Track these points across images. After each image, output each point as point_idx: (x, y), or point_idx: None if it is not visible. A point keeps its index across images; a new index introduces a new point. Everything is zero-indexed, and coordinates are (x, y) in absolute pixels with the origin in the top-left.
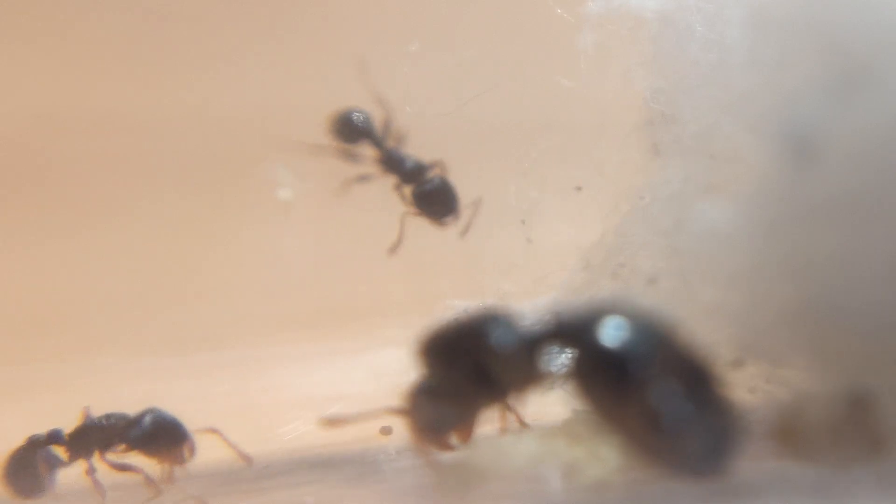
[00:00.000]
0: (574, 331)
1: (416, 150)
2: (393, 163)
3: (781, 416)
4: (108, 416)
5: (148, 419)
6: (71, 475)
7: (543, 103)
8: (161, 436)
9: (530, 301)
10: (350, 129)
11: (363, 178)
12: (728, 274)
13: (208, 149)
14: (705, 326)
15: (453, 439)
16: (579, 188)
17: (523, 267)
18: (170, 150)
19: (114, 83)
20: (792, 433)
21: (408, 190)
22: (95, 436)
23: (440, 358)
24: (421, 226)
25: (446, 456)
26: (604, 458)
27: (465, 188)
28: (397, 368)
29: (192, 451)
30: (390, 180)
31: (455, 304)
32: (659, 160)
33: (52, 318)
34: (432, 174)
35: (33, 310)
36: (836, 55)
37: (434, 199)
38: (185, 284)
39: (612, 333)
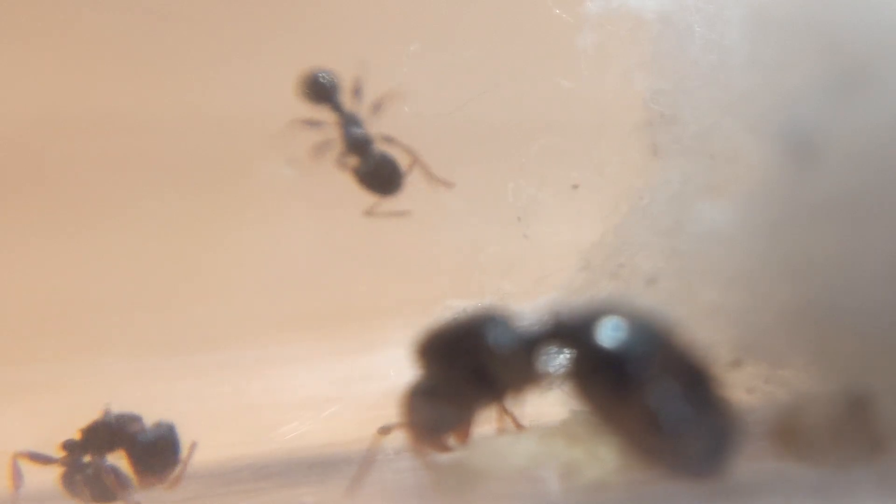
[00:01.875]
0: (573, 331)
1: (415, 149)
2: (346, 126)
3: (781, 416)
4: (119, 416)
5: (162, 428)
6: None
7: (543, 104)
8: (161, 451)
9: (530, 301)
10: (316, 90)
11: (325, 145)
12: (728, 274)
13: (208, 149)
14: (705, 327)
15: (451, 440)
16: (576, 186)
17: (523, 267)
18: (169, 151)
19: (114, 83)
20: (791, 433)
21: (352, 161)
22: (104, 434)
23: (438, 358)
24: (420, 227)
25: (445, 456)
26: (602, 458)
27: (464, 188)
28: (396, 369)
29: (177, 480)
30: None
31: (454, 304)
32: (659, 161)
33: (52, 318)
34: (376, 150)
35: (33, 310)
36: (836, 55)
37: (375, 178)
38: (185, 285)
39: (610, 334)
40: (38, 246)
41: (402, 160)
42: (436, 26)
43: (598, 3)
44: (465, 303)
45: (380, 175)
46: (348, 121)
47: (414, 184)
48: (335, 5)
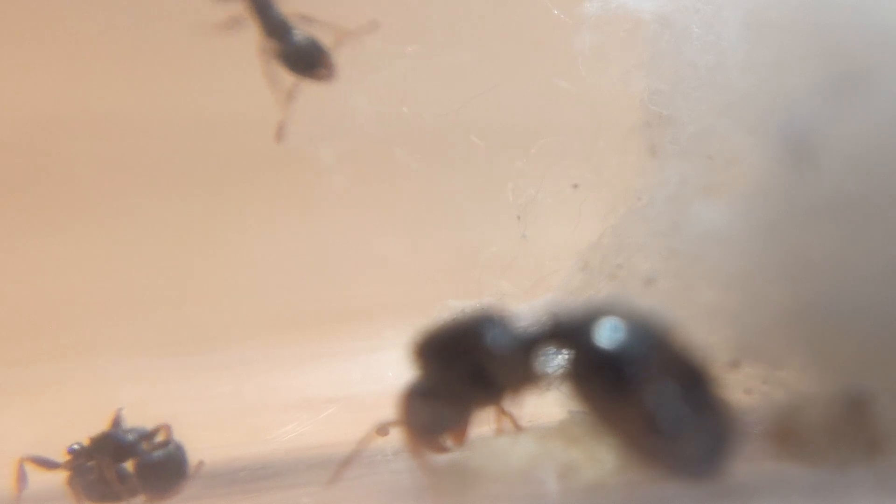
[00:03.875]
0: (571, 332)
1: (413, 150)
2: (259, 8)
3: (778, 417)
4: (129, 431)
5: (170, 449)
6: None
7: (541, 105)
8: (168, 472)
9: (528, 302)
10: None
11: (232, 23)
12: (725, 275)
13: (208, 150)
14: (703, 328)
15: (447, 441)
16: (576, 186)
17: (520, 266)
18: (167, 152)
19: (114, 84)
20: (789, 434)
21: (271, 45)
22: (111, 446)
23: (436, 359)
24: (419, 227)
25: (443, 457)
26: (601, 459)
27: (462, 189)
28: (395, 370)
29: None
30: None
31: (452, 304)
32: (656, 161)
33: (51, 318)
34: (297, 32)
35: (32, 310)
36: (833, 57)
37: (300, 57)
38: (183, 286)
39: (608, 335)
40: (38, 246)
41: (324, 38)
42: (433, 27)
43: (597, 3)
44: (464, 303)
45: (304, 57)
46: (261, 4)
47: (411, 186)
48: (333, 6)
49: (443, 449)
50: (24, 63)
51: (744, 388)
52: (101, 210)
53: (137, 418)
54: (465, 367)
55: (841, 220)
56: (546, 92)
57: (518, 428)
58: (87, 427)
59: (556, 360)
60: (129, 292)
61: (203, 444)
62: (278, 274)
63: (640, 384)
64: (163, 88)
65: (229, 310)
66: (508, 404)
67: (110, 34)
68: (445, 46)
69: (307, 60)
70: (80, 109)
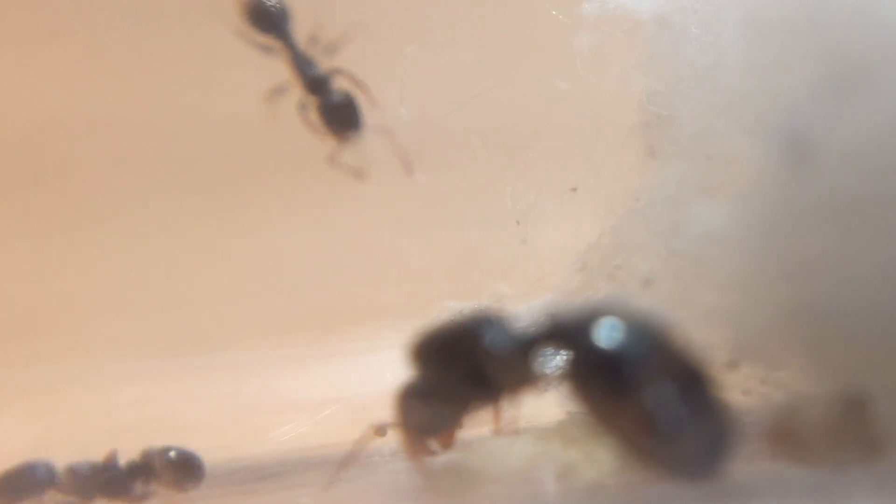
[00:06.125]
0: (569, 332)
1: (413, 151)
2: (300, 65)
3: (777, 417)
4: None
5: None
6: None
7: (539, 105)
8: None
9: (526, 303)
10: (262, 17)
11: (279, 90)
12: (725, 275)
13: (206, 151)
14: (701, 328)
15: (434, 444)
16: (575, 189)
17: (520, 269)
18: (167, 152)
19: (114, 84)
20: (787, 435)
21: (311, 101)
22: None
23: (435, 360)
24: (418, 228)
25: (440, 458)
26: (599, 460)
27: (461, 190)
28: (393, 371)
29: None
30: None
31: (451, 305)
32: (655, 162)
33: (50, 319)
34: (337, 87)
35: (33, 310)
36: (832, 57)
37: (337, 113)
38: (182, 287)
39: (607, 335)
40: (38, 246)
41: (359, 98)
42: (432, 28)
43: (595, 4)
44: (462, 304)
45: (344, 112)
46: (301, 59)
47: (410, 187)
48: (332, 7)
49: (430, 451)
50: (24, 63)
51: (742, 388)
52: (101, 210)
53: (137, 418)
54: (463, 368)
55: (840, 220)
56: (545, 92)
57: (525, 418)
58: (85, 427)
59: (555, 360)
60: (128, 293)
61: (202, 445)
62: (278, 274)
63: (638, 385)
64: (163, 88)
65: (229, 310)
66: (506, 405)
67: (110, 34)
68: (445, 46)
69: (343, 119)
70: (80, 109)
